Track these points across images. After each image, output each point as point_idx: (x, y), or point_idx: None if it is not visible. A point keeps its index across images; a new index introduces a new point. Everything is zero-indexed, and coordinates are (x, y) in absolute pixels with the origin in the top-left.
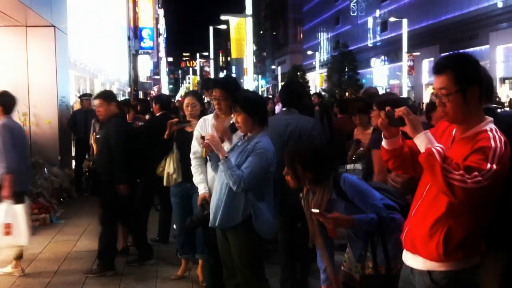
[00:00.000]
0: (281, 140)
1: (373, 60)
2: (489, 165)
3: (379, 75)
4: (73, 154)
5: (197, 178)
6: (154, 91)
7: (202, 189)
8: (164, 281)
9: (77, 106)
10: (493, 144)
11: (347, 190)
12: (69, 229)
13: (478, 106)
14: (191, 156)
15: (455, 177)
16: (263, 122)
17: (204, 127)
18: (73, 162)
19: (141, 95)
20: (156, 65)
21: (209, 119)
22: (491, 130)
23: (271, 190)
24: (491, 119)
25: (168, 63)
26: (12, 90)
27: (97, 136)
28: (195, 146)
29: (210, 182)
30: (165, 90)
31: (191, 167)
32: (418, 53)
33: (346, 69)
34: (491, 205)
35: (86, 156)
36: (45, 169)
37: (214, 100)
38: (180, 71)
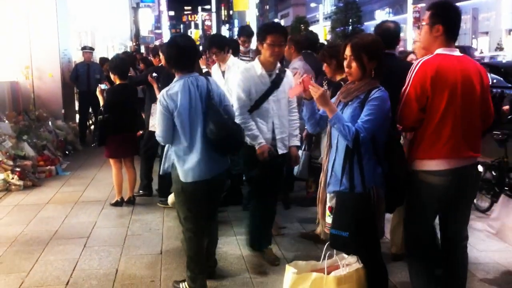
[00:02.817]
0: None
1: (377, 12)
2: None
3: None
4: (76, 107)
5: (250, 133)
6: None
7: (260, 142)
8: (171, 228)
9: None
10: None
11: (371, 96)
12: (75, 181)
13: None
14: (238, 111)
15: None
16: (176, 67)
17: (251, 78)
18: (77, 115)
19: (142, 50)
20: (158, 19)
21: (252, 68)
22: None
23: (183, 132)
24: None
25: (170, 17)
26: (14, 43)
27: (102, 88)
28: (242, 99)
29: (268, 134)
30: None
31: (240, 123)
32: (423, 4)
33: (350, 21)
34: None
35: (90, 110)
36: (49, 122)
37: (273, 45)
38: (182, 26)
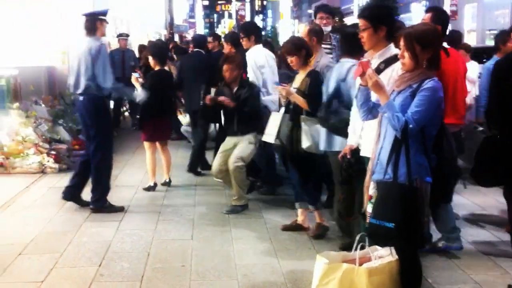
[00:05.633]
0: None
1: (413, 4)
2: None
3: (419, 21)
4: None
5: (351, 126)
6: (189, 34)
7: (349, 140)
8: (202, 215)
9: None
10: None
11: (422, 86)
12: None
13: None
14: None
15: None
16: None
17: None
18: (111, 101)
19: (176, 38)
20: (192, 8)
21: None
22: None
23: None
24: None
25: (204, 7)
26: (51, 29)
27: (137, 76)
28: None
29: (357, 132)
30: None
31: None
32: None
33: None
34: None
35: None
36: None
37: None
38: (215, 15)
